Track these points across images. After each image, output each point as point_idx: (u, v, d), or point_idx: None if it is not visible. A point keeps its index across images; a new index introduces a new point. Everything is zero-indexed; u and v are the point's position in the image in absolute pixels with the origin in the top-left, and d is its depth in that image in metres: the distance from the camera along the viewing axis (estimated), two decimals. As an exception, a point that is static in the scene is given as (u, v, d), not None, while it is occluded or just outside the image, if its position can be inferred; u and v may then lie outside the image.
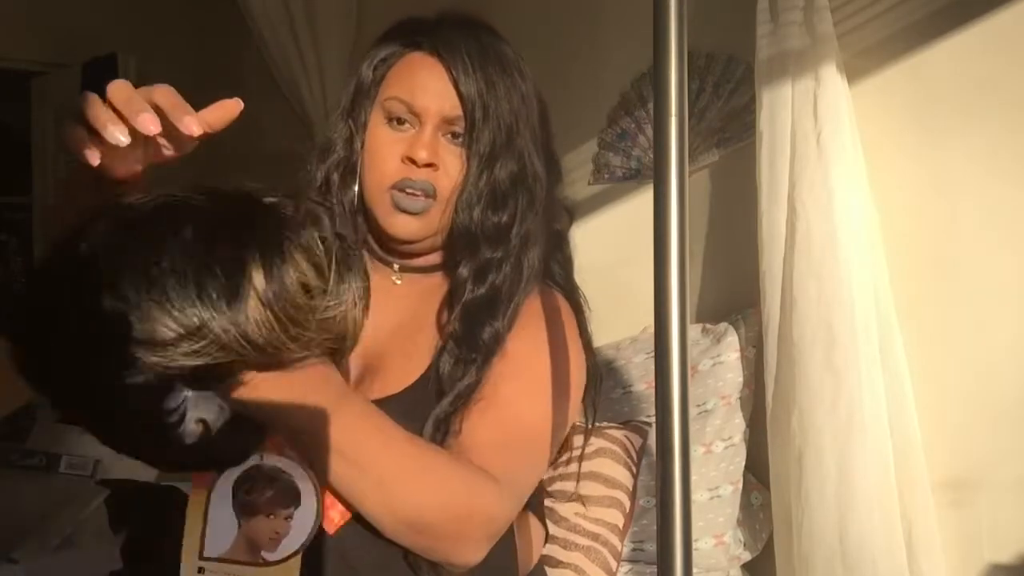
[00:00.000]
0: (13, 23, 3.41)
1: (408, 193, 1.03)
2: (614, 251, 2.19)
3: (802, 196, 1.71)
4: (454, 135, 1.05)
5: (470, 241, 1.04)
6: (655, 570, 0.74)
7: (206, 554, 0.82)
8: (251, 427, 0.81)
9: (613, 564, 1.58)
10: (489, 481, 0.91)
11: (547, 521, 1.38)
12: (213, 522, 0.82)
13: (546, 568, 1.40)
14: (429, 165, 1.03)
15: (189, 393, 0.75)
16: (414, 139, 1.03)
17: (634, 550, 1.74)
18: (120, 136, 0.77)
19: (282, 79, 2.81)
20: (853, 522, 1.62)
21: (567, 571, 1.52)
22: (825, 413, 1.66)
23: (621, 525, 1.61)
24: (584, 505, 1.58)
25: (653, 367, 0.74)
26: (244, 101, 0.84)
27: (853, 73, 1.74)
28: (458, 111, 1.03)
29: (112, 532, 1.11)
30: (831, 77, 1.70)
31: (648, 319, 0.78)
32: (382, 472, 0.86)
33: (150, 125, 0.77)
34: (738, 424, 1.84)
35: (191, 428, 0.76)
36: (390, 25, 1.11)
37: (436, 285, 1.09)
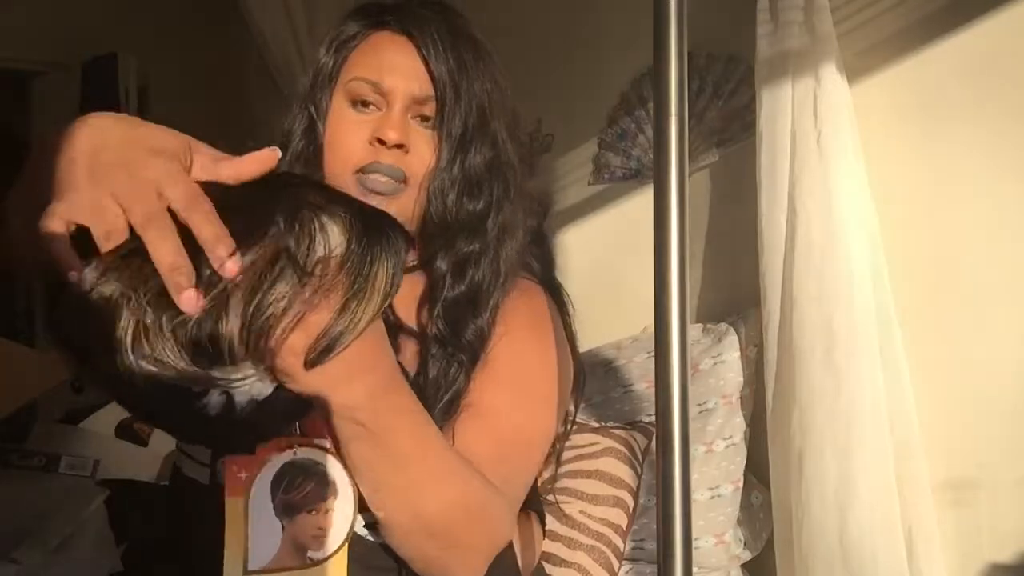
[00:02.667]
0: (13, 23, 3.40)
1: (376, 177, 0.96)
2: (614, 251, 2.20)
3: (802, 196, 1.71)
4: (424, 118, 0.98)
5: (446, 230, 0.98)
6: (655, 569, 0.74)
7: (251, 567, 0.75)
8: (285, 407, 0.75)
9: (616, 564, 1.58)
10: (499, 494, 0.89)
11: (552, 519, 1.38)
12: (255, 530, 0.76)
13: (551, 566, 1.40)
14: (399, 146, 0.96)
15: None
16: (382, 120, 0.97)
17: (634, 548, 1.74)
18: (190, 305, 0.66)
19: (282, 79, 2.81)
20: (853, 522, 1.62)
21: (571, 571, 1.53)
22: (825, 413, 1.66)
23: (624, 525, 1.61)
24: (586, 503, 1.58)
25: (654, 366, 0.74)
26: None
27: (853, 73, 1.74)
28: (428, 91, 0.97)
29: (112, 532, 1.11)
30: (831, 77, 1.70)
31: (648, 319, 0.78)
32: (417, 471, 0.81)
33: (194, 306, 0.66)
34: (739, 423, 1.84)
35: (214, 400, 0.71)
36: (349, 8, 1.05)
37: (410, 285, 1.03)
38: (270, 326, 0.68)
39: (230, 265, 0.66)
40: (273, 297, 0.68)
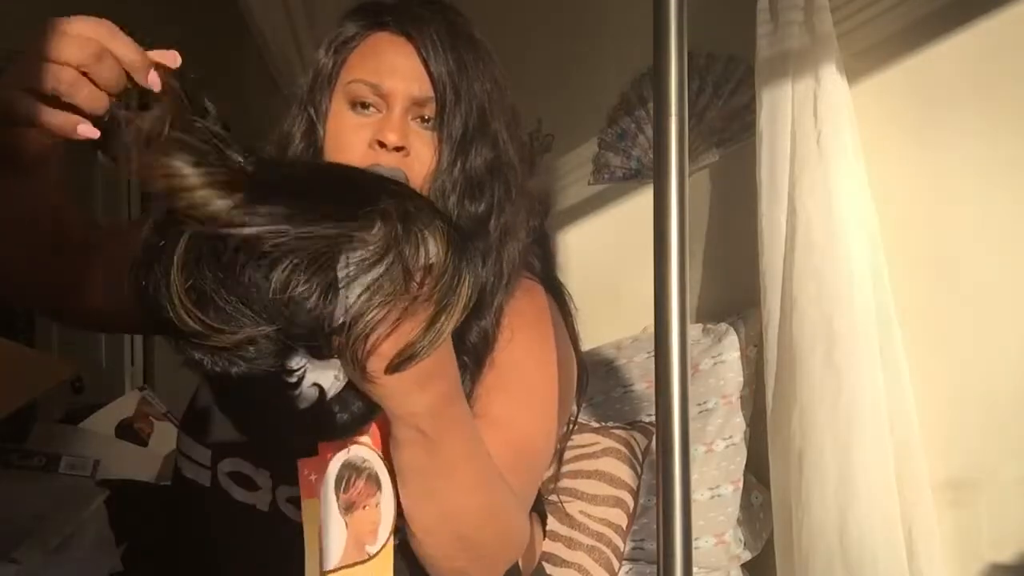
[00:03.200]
0: (13, 23, 3.40)
1: None
2: (614, 251, 2.20)
3: (802, 196, 1.71)
4: (424, 119, 0.98)
5: None
6: (655, 569, 0.74)
7: (325, 568, 0.78)
8: (358, 403, 0.77)
9: (616, 564, 1.58)
10: (519, 503, 0.90)
11: (553, 519, 1.38)
12: (327, 532, 0.78)
13: (551, 567, 1.40)
14: (399, 149, 0.96)
15: (308, 358, 0.73)
16: (382, 122, 0.97)
17: (635, 549, 1.74)
18: (87, 131, 0.73)
19: (282, 79, 2.81)
20: (853, 522, 1.62)
21: (571, 571, 1.53)
22: (825, 412, 1.66)
23: (624, 525, 1.61)
24: (586, 503, 1.58)
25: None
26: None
27: (853, 73, 1.74)
28: (428, 93, 0.97)
29: (112, 532, 1.11)
30: (831, 77, 1.70)
31: (648, 319, 0.78)
32: (463, 479, 0.83)
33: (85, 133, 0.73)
34: (739, 423, 1.84)
35: (307, 391, 0.73)
36: (348, 8, 1.05)
37: None
38: (373, 326, 0.70)
39: (152, 77, 0.74)
40: (379, 297, 0.70)
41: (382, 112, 0.98)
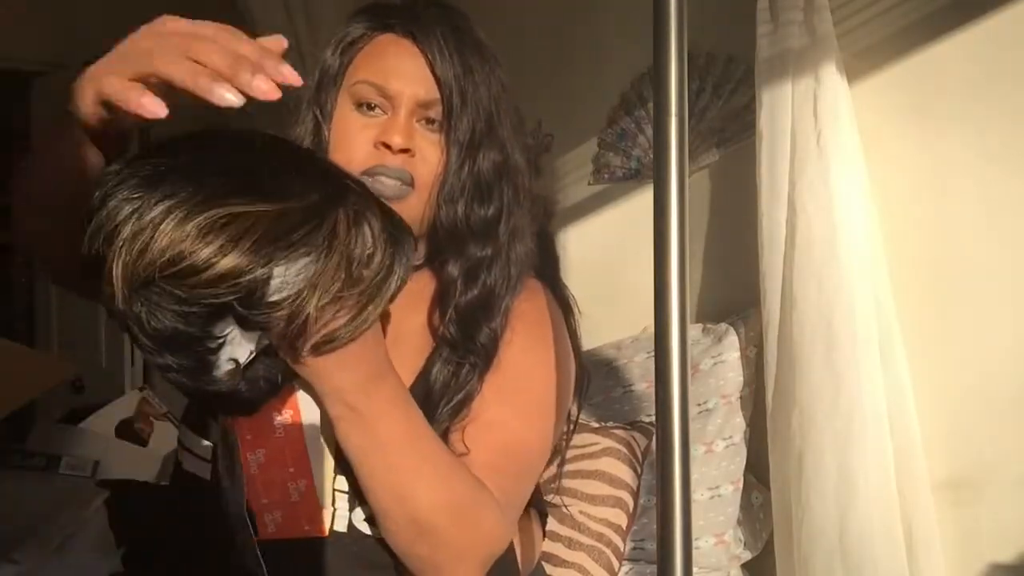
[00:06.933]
0: (13, 23, 3.40)
1: (382, 179, 0.96)
2: (614, 251, 2.20)
3: (802, 196, 1.71)
4: (429, 121, 0.98)
5: (457, 237, 0.99)
6: (655, 569, 0.74)
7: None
8: (263, 379, 0.80)
9: (616, 564, 1.58)
10: (494, 502, 0.90)
11: (552, 519, 1.38)
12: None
13: (551, 567, 1.40)
14: (404, 151, 0.96)
15: (236, 328, 0.75)
16: (387, 124, 0.97)
17: (635, 549, 1.74)
18: (233, 98, 0.70)
19: (282, 79, 2.81)
20: (853, 522, 1.62)
21: (571, 571, 1.53)
22: (825, 413, 1.66)
23: (624, 525, 1.61)
24: (586, 503, 1.58)
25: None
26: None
27: (853, 73, 1.74)
28: (434, 95, 0.97)
29: (113, 533, 1.11)
30: (831, 77, 1.70)
31: (648, 319, 0.78)
32: (406, 461, 0.85)
33: (267, 89, 0.70)
34: (739, 423, 1.84)
35: (224, 364, 0.76)
36: (355, 9, 1.05)
37: (416, 284, 1.02)
38: (305, 309, 0.73)
39: (287, 72, 0.72)
40: (317, 284, 0.73)
41: (387, 114, 0.98)
